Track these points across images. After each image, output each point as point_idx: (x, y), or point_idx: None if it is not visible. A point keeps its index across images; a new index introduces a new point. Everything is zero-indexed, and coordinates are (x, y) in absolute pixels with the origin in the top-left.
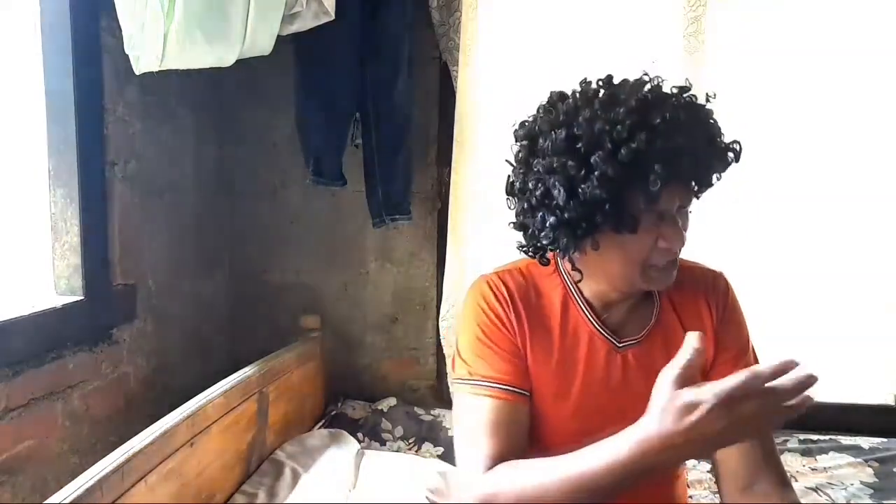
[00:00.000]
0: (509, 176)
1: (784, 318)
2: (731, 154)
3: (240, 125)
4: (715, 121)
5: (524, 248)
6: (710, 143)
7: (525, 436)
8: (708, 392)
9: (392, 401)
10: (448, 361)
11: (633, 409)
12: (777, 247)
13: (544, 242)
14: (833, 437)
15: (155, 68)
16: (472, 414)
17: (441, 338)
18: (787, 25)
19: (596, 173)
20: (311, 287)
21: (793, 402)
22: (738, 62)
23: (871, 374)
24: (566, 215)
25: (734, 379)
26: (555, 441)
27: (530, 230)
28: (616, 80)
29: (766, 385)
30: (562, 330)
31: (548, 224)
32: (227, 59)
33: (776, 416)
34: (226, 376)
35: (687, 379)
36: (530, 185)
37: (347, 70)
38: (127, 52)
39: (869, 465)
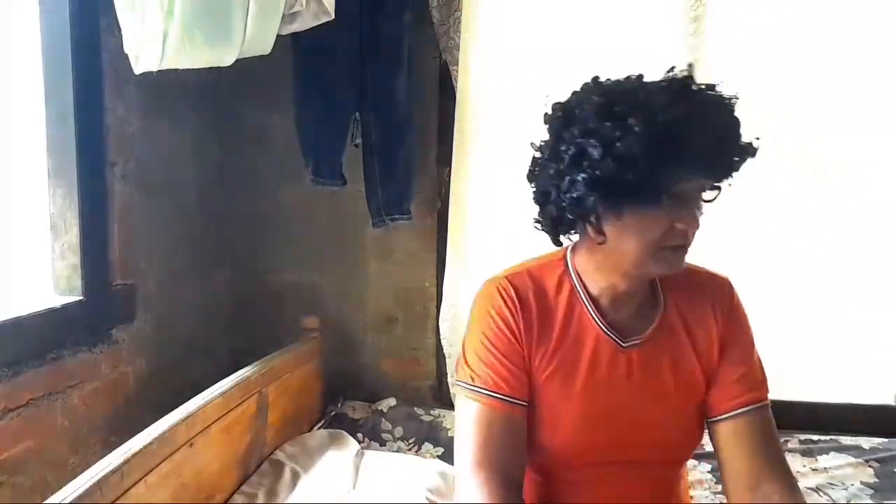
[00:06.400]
0: (532, 159)
1: (784, 318)
2: (750, 150)
3: (240, 125)
4: (737, 117)
5: (539, 223)
6: (736, 135)
7: (522, 444)
8: None
9: (392, 401)
10: (449, 362)
11: (635, 408)
12: (777, 245)
13: (568, 205)
14: (833, 437)
15: (155, 68)
16: (472, 423)
17: (441, 338)
18: (788, 25)
19: (636, 129)
20: (311, 287)
21: None
22: (739, 62)
23: (871, 374)
24: (598, 172)
25: None
26: (559, 441)
27: (553, 197)
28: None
29: None
30: (567, 329)
31: (578, 182)
32: (227, 58)
33: None
34: (226, 376)
35: None
36: (562, 150)
37: (347, 70)
38: (127, 52)
39: (869, 466)
